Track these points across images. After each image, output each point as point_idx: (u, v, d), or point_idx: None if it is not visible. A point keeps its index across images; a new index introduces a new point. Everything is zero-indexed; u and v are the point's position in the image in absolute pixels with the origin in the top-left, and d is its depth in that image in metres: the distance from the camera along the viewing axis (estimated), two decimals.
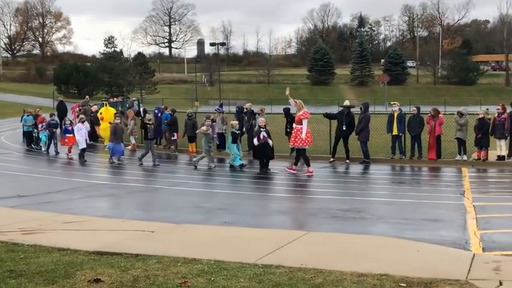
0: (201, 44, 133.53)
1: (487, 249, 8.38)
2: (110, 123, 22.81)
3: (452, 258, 7.55)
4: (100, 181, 16.76)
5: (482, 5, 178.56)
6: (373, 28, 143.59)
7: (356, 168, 19.02)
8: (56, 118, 25.73)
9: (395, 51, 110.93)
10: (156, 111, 26.01)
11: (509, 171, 18.44)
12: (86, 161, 20.89)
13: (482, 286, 6.10)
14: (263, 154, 18.15)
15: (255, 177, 17.44)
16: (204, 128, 19.44)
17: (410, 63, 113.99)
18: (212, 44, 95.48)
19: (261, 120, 18.74)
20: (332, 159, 20.15)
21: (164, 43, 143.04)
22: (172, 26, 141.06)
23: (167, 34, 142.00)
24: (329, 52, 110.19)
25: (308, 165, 17.33)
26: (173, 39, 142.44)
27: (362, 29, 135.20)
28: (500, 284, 6.21)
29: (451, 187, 15.13)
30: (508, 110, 20.66)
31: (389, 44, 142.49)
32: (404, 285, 6.14)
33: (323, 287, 6.09)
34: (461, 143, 19.74)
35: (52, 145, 23.82)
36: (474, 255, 7.62)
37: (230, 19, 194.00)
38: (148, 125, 19.97)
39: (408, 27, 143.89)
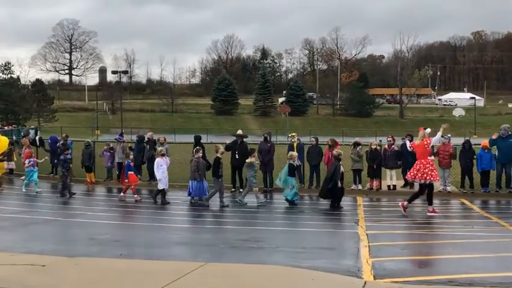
0: (103, 71, 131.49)
1: (378, 277, 8.65)
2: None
3: (345, 286, 7.78)
4: None
5: (378, 42, 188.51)
6: (275, 60, 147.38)
7: (255, 198, 19.21)
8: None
9: (296, 84, 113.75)
10: (50, 141, 24.57)
11: (401, 200, 19.21)
12: (169, 202, 17.49)
13: None
14: (338, 192, 16.89)
15: (154, 208, 17.20)
16: (249, 159, 17.91)
17: (310, 95, 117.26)
18: (114, 72, 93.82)
19: (338, 152, 17.27)
20: (233, 189, 20.27)
21: (64, 70, 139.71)
22: (73, 53, 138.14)
23: (68, 61, 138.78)
24: (233, 82, 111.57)
25: (419, 195, 16.05)
26: (74, 66, 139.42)
27: (265, 61, 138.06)
28: None
29: (346, 216, 15.57)
30: (402, 142, 21.43)
31: (290, 76, 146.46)
32: None
33: None
34: (357, 172, 20.47)
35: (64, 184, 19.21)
36: (365, 283, 7.88)
37: (134, 48, 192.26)
38: (221, 161, 17.38)
39: (309, 61, 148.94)
